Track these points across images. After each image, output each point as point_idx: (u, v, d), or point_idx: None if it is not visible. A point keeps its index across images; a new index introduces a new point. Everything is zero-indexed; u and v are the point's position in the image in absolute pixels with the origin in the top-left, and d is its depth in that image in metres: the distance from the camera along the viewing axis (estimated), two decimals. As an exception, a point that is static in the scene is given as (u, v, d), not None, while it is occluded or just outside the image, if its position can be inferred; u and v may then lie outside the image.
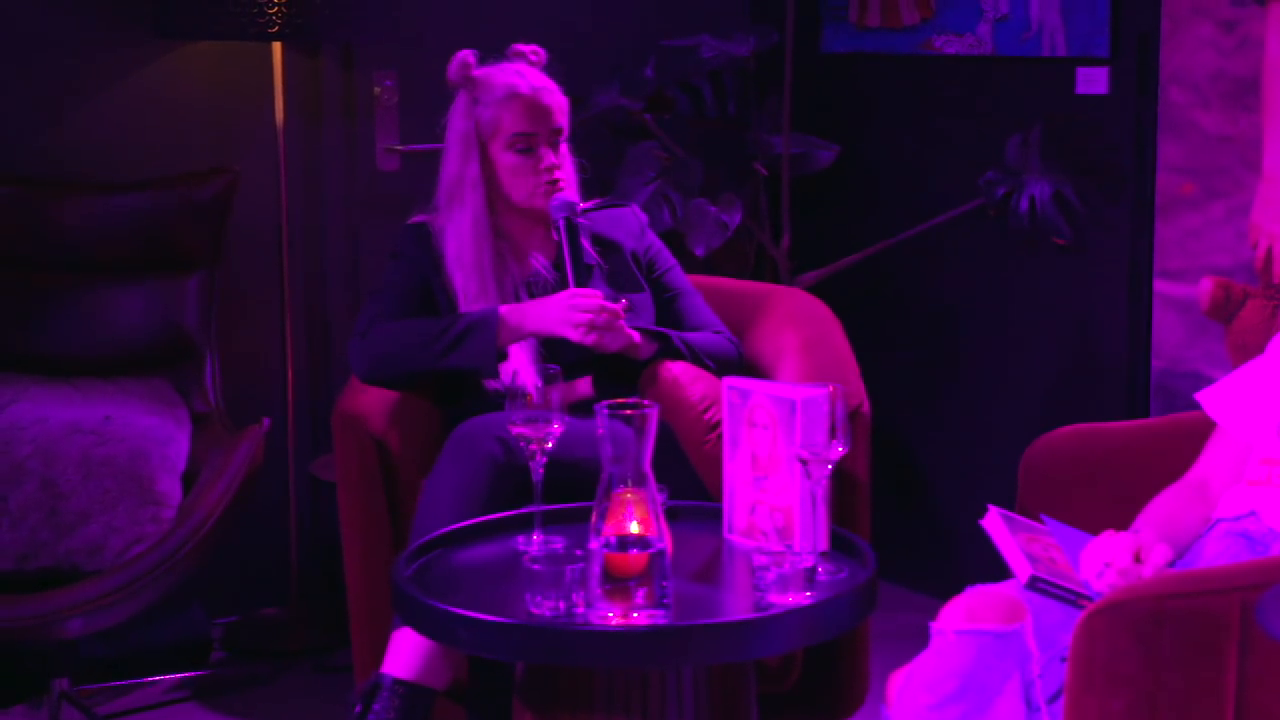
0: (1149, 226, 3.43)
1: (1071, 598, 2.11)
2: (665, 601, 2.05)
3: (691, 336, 2.90)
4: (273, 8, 3.29)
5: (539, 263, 2.92)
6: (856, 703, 2.80)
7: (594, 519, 2.05)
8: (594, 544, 2.04)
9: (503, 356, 2.78)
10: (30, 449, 3.02)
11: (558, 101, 2.89)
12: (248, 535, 3.51)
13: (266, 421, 3.13)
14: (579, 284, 2.81)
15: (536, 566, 2.11)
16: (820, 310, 3.05)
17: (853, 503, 2.70)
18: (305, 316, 3.78)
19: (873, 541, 2.49)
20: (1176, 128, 3.35)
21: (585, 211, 2.95)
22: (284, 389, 3.63)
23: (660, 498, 2.08)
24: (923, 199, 3.85)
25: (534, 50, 2.94)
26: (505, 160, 2.87)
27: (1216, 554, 2.20)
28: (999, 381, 3.80)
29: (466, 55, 2.90)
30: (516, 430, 2.34)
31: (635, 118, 3.82)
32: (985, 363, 3.83)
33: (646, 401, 2.07)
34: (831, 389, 2.22)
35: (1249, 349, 2.60)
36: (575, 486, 2.48)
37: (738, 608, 2.25)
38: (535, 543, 2.36)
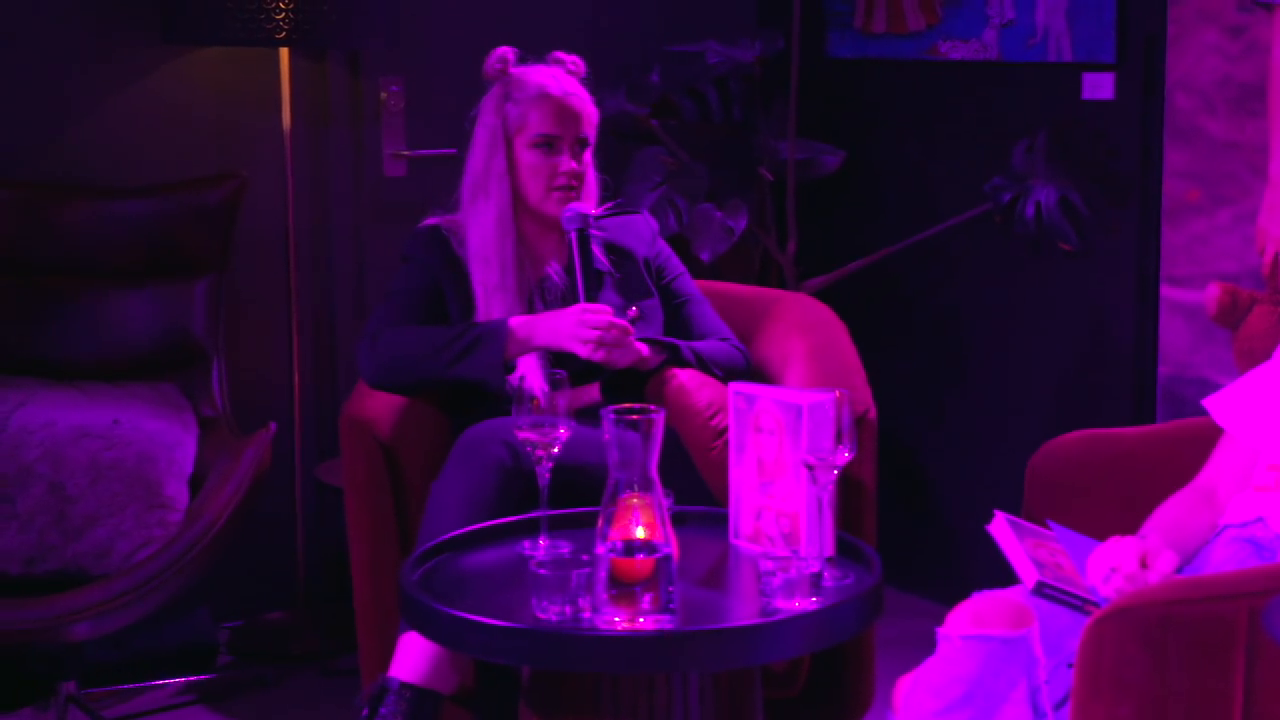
0: (1155, 232, 3.43)
1: (1078, 603, 2.11)
2: (671, 607, 2.05)
3: (700, 345, 2.90)
4: (280, 14, 3.30)
5: (551, 268, 2.92)
6: (863, 708, 2.80)
7: (600, 524, 2.05)
8: (600, 549, 2.04)
9: (510, 369, 2.78)
10: (38, 453, 3.02)
11: (587, 110, 2.89)
12: (254, 539, 3.51)
13: (273, 426, 3.14)
14: (590, 294, 2.81)
15: (543, 571, 2.11)
16: (826, 316, 3.05)
17: (859, 508, 2.70)
18: (312, 321, 3.79)
19: (879, 547, 2.49)
20: (1183, 133, 3.35)
21: (598, 219, 2.95)
22: (291, 394, 3.63)
23: (666, 503, 2.09)
24: (929, 205, 3.85)
25: (574, 60, 2.94)
26: (526, 158, 2.87)
27: (1224, 560, 2.20)
28: (1005, 387, 3.80)
29: (506, 52, 2.90)
30: (523, 435, 2.34)
31: (641, 123, 3.83)
32: (991, 368, 3.83)
33: (653, 407, 2.07)
34: (838, 394, 2.22)
35: (1256, 354, 2.60)
36: (582, 491, 2.48)
37: (744, 613, 2.25)
38: (542, 547, 2.36)
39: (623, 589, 2.04)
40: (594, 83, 2.97)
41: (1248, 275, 3.20)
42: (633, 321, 2.81)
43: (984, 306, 3.83)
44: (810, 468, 2.22)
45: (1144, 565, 2.12)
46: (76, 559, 3.02)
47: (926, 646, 2.14)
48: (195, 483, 3.15)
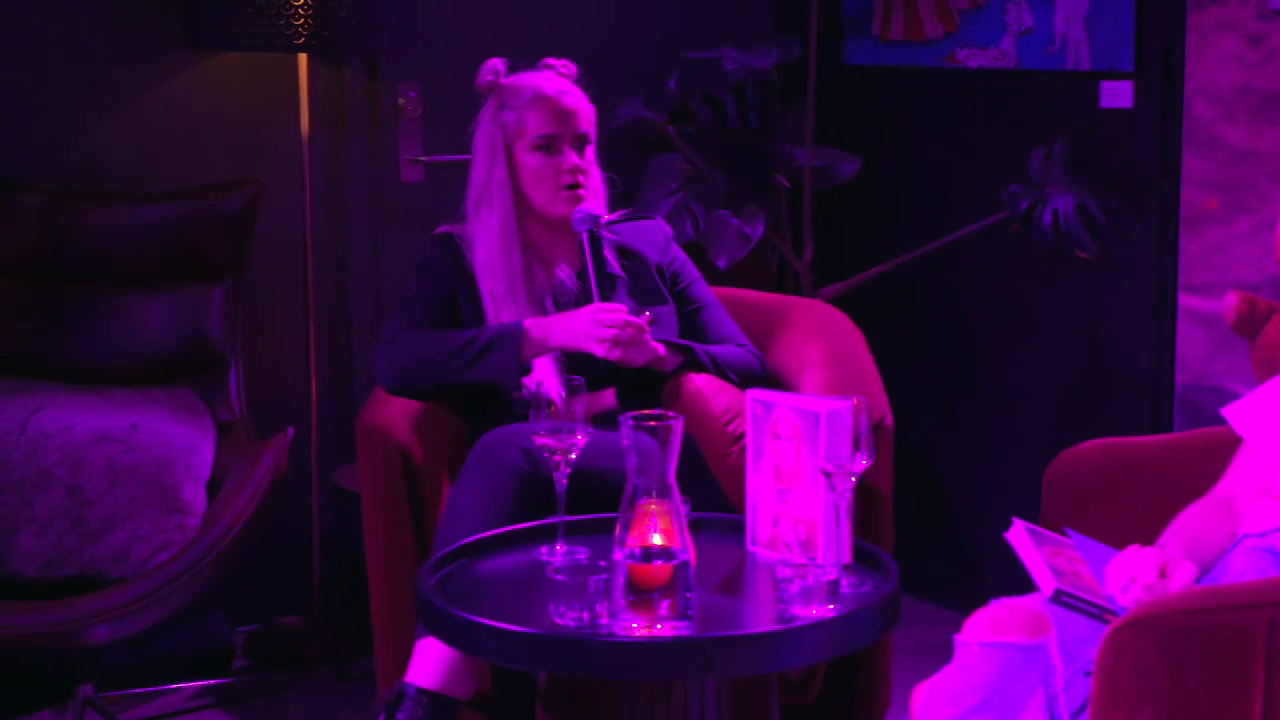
0: (1173, 241, 3.42)
1: (1096, 611, 2.11)
2: (689, 613, 2.05)
3: (716, 350, 2.90)
4: (299, 20, 3.31)
5: (564, 273, 2.93)
6: (879, 716, 2.80)
7: (618, 530, 2.05)
8: (618, 555, 2.04)
9: (526, 371, 2.78)
10: (57, 456, 3.03)
11: (583, 106, 2.91)
12: (271, 544, 3.52)
13: (290, 431, 3.15)
14: (603, 296, 2.81)
15: (560, 577, 2.11)
16: (843, 323, 3.05)
17: (876, 515, 2.70)
18: (329, 327, 3.79)
19: (895, 554, 2.49)
20: (1201, 142, 3.34)
21: (610, 224, 2.96)
22: (308, 398, 3.64)
23: (684, 509, 2.09)
24: (946, 212, 3.84)
25: (564, 64, 2.96)
26: (529, 162, 2.88)
27: (1242, 570, 2.20)
28: (1022, 395, 3.79)
29: (496, 63, 2.92)
30: (541, 441, 2.34)
31: (658, 130, 3.83)
32: (1008, 376, 3.82)
33: (671, 413, 2.07)
34: (855, 402, 2.22)
35: (1274, 364, 2.59)
36: (599, 497, 2.48)
37: (761, 620, 2.25)
38: (559, 553, 2.36)
39: (640, 595, 2.04)
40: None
41: (1266, 284, 3.19)
42: (649, 324, 2.81)
43: (1001, 314, 3.82)
44: (828, 475, 2.22)
45: (1163, 575, 2.11)
46: (94, 562, 3.03)
47: (943, 654, 2.14)
48: (213, 487, 3.16)
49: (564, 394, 2.33)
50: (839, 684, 2.69)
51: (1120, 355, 3.57)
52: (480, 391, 2.83)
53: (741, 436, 2.70)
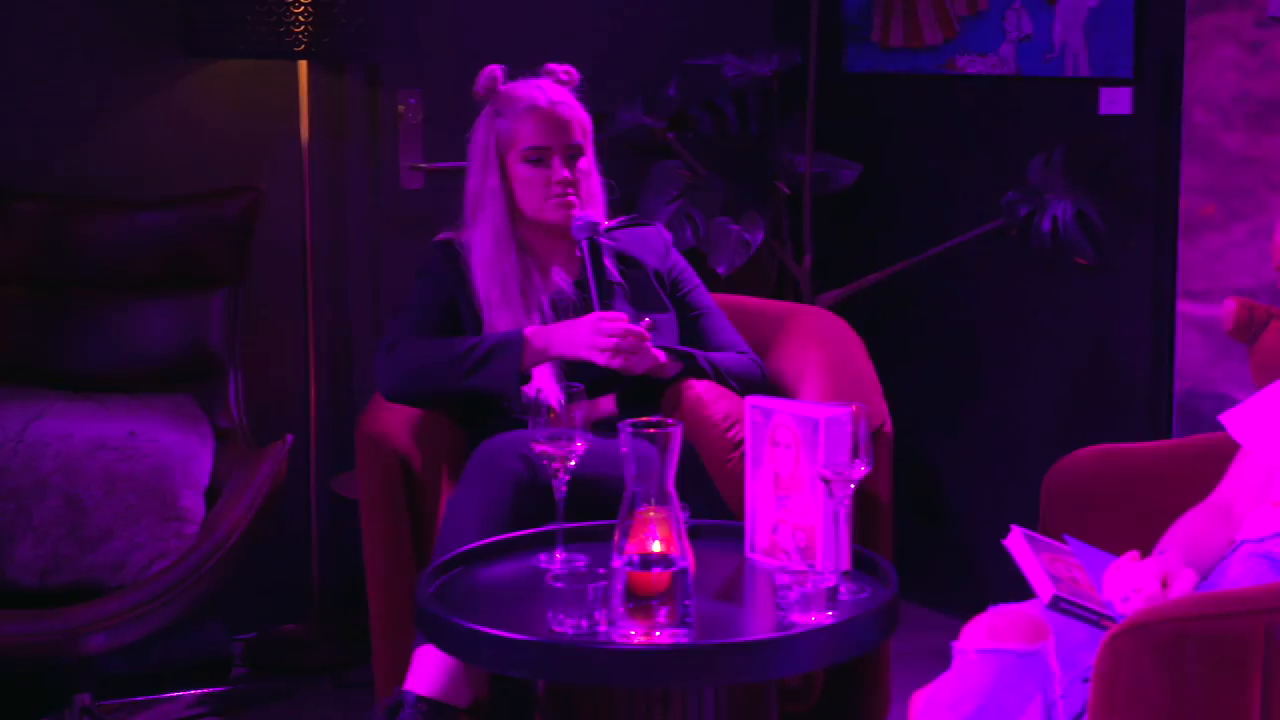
0: (1172, 247, 3.42)
1: (1094, 618, 2.11)
2: (687, 620, 2.05)
3: (716, 356, 2.90)
4: (299, 27, 3.31)
5: (563, 279, 2.93)
6: (878, 723, 2.79)
7: (617, 537, 2.05)
8: (616, 562, 2.04)
9: (526, 379, 2.78)
10: (54, 464, 3.03)
11: (577, 116, 2.90)
12: (269, 551, 3.51)
13: (290, 438, 3.15)
14: (603, 303, 2.81)
15: (559, 584, 2.11)
16: (842, 329, 3.05)
17: (875, 522, 2.70)
18: (329, 334, 3.79)
19: (895, 561, 2.48)
20: (1200, 148, 3.35)
21: (610, 231, 2.96)
22: (307, 406, 3.64)
23: (683, 516, 2.09)
24: (945, 218, 3.85)
25: (566, 70, 2.96)
26: (519, 172, 2.89)
27: (1240, 576, 2.20)
28: (1021, 401, 3.79)
29: (495, 70, 2.93)
30: (540, 448, 2.34)
31: (658, 136, 3.84)
32: (1007, 382, 3.82)
33: (670, 420, 2.07)
34: (854, 408, 2.22)
35: (1273, 370, 2.60)
36: (598, 504, 2.48)
37: (760, 627, 2.25)
38: (558, 560, 2.36)
39: (639, 602, 2.04)
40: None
41: (1264, 290, 3.19)
42: (648, 330, 2.81)
43: (1000, 320, 3.82)
44: (827, 482, 2.22)
45: (1165, 585, 2.11)
46: (92, 571, 3.03)
47: (942, 661, 2.14)
48: (211, 494, 3.15)
49: (563, 401, 2.33)
50: (838, 691, 2.69)
51: (1119, 361, 3.57)
52: (480, 399, 2.84)
53: (741, 443, 2.70)
